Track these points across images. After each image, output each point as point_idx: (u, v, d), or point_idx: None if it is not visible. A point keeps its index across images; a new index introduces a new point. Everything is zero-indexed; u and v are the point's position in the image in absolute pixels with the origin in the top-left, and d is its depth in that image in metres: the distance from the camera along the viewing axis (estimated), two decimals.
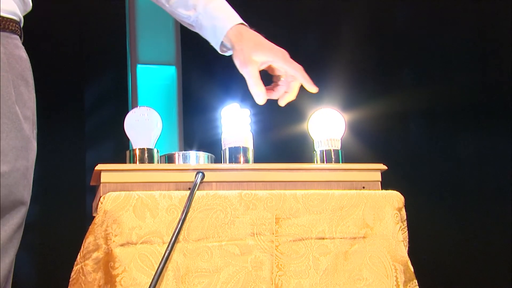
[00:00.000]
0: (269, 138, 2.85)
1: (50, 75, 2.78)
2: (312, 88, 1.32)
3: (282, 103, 1.34)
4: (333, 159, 1.37)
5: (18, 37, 1.14)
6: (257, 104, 1.31)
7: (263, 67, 1.32)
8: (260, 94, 1.29)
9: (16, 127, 1.07)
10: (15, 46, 1.12)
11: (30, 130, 1.11)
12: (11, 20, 1.12)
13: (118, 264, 1.14)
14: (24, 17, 1.18)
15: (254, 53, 1.29)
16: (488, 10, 3.36)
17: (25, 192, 1.09)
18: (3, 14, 1.10)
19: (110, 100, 3.09)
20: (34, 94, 1.14)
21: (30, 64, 1.14)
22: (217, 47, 1.35)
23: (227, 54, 1.37)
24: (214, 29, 1.32)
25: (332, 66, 3.11)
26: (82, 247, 1.19)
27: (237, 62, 1.31)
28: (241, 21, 1.33)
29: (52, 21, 2.77)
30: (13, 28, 1.12)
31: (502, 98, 3.30)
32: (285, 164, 1.32)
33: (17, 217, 1.08)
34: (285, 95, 1.33)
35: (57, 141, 2.83)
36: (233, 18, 1.33)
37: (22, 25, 1.17)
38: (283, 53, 1.32)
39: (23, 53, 1.13)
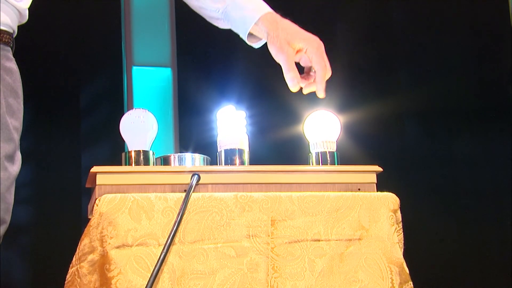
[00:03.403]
0: (264, 140, 2.84)
1: (46, 77, 2.77)
2: (320, 93, 1.32)
3: (305, 91, 1.34)
4: (329, 161, 1.38)
5: (10, 49, 1.14)
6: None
7: (298, 57, 1.31)
8: (293, 80, 1.29)
9: (6, 136, 1.07)
10: (6, 58, 1.12)
11: (17, 140, 1.11)
12: (5, 32, 1.12)
13: (114, 267, 1.14)
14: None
15: (290, 40, 1.29)
16: (485, 11, 3.37)
17: (10, 201, 1.09)
18: None
19: (106, 102, 3.08)
20: (22, 106, 1.14)
21: (20, 77, 1.14)
22: (244, 37, 1.35)
23: (254, 45, 1.37)
24: (243, 19, 1.33)
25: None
26: (77, 249, 1.19)
27: (272, 48, 1.31)
28: (271, 10, 1.34)
29: (47, 23, 2.75)
30: (6, 40, 1.12)
31: (499, 99, 3.31)
32: (281, 166, 1.32)
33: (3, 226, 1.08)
34: (310, 84, 1.34)
35: (53, 143, 2.81)
36: (263, 7, 1.34)
37: (15, 36, 1.17)
38: (318, 44, 1.32)
39: (13, 65, 1.13)
